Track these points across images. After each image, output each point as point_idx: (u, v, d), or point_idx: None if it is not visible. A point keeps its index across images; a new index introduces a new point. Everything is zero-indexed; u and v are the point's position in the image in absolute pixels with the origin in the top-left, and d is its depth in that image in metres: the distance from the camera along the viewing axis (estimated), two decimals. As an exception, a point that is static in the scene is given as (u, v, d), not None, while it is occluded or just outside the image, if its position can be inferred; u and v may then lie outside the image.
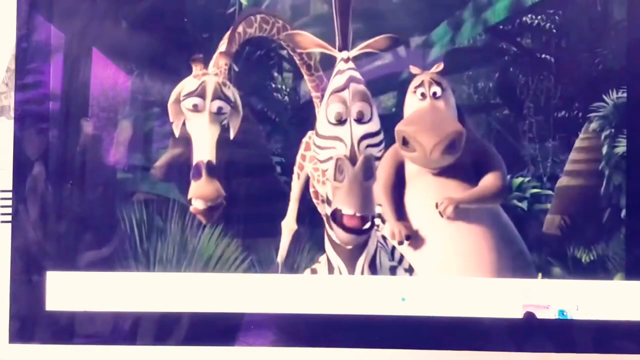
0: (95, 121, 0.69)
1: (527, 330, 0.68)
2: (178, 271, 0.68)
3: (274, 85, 0.70)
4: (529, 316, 0.67)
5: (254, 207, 0.69)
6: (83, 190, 0.68)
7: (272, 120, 0.69)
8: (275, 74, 0.70)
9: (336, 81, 0.66)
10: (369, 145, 0.65)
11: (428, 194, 0.67)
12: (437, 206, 0.66)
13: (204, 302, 0.68)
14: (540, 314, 0.67)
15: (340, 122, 0.64)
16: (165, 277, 0.68)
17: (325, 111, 0.65)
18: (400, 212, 0.68)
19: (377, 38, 0.66)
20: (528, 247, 0.67)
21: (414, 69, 0.67)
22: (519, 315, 0.67)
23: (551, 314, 0.67)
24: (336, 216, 0.65)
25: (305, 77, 0.69)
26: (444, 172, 0.66)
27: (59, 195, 0.68)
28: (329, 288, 0.68)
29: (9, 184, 0.68)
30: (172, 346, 0.68)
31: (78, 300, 0.68)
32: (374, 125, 0.65)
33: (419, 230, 0.67)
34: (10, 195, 0.68)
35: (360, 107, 0.65)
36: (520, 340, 0.68)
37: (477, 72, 0.68)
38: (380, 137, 0.66)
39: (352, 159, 0.64)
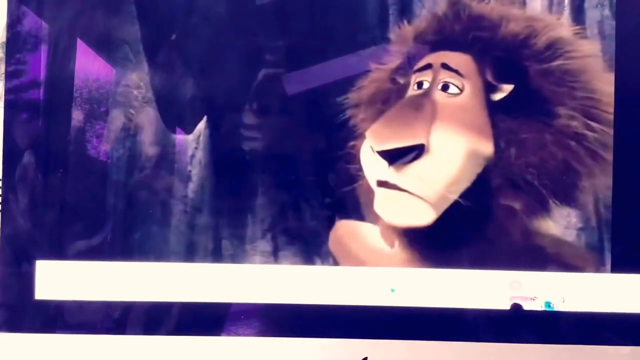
0: (85, 110, 0.69)
1: (515, 322, 0.68)
2: (168, 261, 0.68)
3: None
4: (516, 308, 0.68)
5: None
6: (73, 179, 0.68)
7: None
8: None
9: None
10: None
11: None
12: None
13: (194, 291, 0.68)
14: (527, 306, 0.68)
15: None
16: (155, 266, 0.68)
17: None
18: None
19: None
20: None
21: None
22: (507, 306, 0.68)
23: (537, 306, 0.68)
24: None
25: None
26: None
27: (49, 184, 0.68)
28: (318, 279, 0.68)
29: (-2, 173, 0.68)
30: (162, 336, 0.68)
31: (67, 289, 0.68)
32: None
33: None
34: (-1, 184, 0.68)
35: None
36: (507, 331, 0.68)
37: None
38: None
39: None
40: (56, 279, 0.68)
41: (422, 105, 0.39)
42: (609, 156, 0.48)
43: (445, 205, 0.43)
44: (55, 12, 0.68)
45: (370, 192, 0.49)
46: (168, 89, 0.67)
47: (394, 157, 0.40)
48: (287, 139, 0.61)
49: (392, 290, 0.68)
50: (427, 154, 0.40)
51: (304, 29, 0.61)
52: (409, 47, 0.49)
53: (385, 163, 0.40)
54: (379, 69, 0.52)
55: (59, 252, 0.68)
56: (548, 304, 0.68)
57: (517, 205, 0.41)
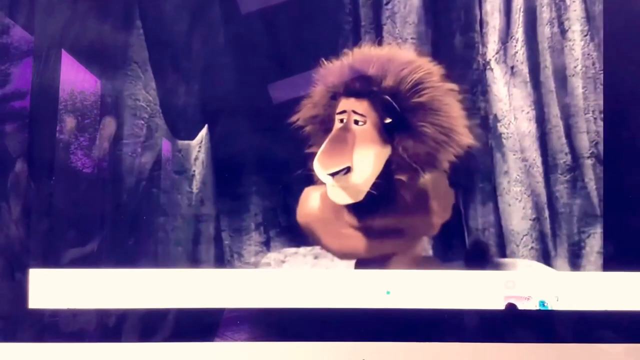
0: (77, 117, 0.68)
1: (509, 321, 0.69)
2: (162, 267, 0.68)
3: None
4: (511, 307, 0.68)
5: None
6: (66, 187, 0.68)
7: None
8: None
9: None
10: None
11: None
12: None
13: (189, 297, 0.68)
14: (521, 305, 0.68)
15: None
16: (149, 273, 0.68)
17: None
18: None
19: None
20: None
21: None
22: (501, 306, 0.68)
23: (532, 305, 0.68)
24: None
25: None
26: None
27: (41, 192, 0.67)
28: (313, 282, 0.68)
29: (-11, 181, 0.67)
30: (158, 342, 0.67)
31: (61, 297, 0.67)
32: None
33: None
34: (-9, 192, 0.67)
35: None
36: (502, 330, 0.69)
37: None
38: None
39: None
40: (50, 288, 0.67)
41: (345, 137, 0.62)
42: (453, 142, 0.64)
43: (368, 187, 0.64)
44: (43, 25, 0.68)
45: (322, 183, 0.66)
46: (173, 102, 0.69)
47: (334, 175, 0.63)
48: (270, 140, 0.68)
49: (388, 293, 0.68)
50: (353, 169, 0.63)
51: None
52: (330, 86, 0.66)
53: (330, 178, 0.63)
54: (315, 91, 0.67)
55: (52, 260, 0.67)
56: (542, 303, 0.68)
57: (404, 177, 0.63)
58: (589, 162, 0.69)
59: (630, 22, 0.69)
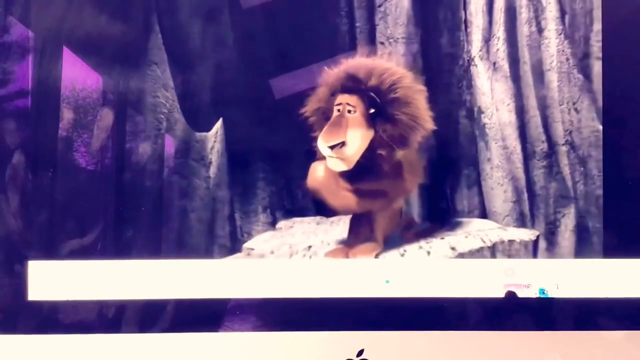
0: (76, 108, 0.69)
1: (509, 309, 0.69)
2: (161, 258, 0.69)
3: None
4: (511, 295, 0.68)
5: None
6: (64, 178, 0.68)
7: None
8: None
9: None
10: None
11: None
12: None
13: (188, 288, 0.68)
14: (521, 293, 0.68)
15: None
16: (149, 264, 0.68)
17: None
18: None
19: None
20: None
21: None
22: (501, 294, 0.68)
23: (532, 293, 0.68)
24: None
25: None
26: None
27: (40, 184, 0.68)
28: (312, 271, 0.69)
29: (-13, 174, 0.68)
30: (157, 333, 0.67)
31: (60, 289, 0.67)
32: None
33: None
34: (-11, 184, 0.68)
35: None
36: (502, 319, 0.69)
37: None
38: None
39: None
40: (49, 279, 0.67)
41: (340, 121, 0.71)
42: (420, 127, 0.71)
43: (357, 158, 0.71)
44: (43, 20, 0.70)
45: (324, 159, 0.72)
46: (190, 97, 0.73)
47: (332, 147, 0.70)
48: (275, 132, 0.74)
49: (387, 282, 0.68)
50: (346, 144, 0.70)
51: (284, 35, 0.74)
52: (330, 86, 0.73)
53: (329, 150, 0.70)
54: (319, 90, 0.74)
55: (51, 251, 0.68)
56: (542, 291, 0.69)
57: (384, 152, 0.70)
58: (563, 149, 0.73)
59: (630, 17, 0.71)
